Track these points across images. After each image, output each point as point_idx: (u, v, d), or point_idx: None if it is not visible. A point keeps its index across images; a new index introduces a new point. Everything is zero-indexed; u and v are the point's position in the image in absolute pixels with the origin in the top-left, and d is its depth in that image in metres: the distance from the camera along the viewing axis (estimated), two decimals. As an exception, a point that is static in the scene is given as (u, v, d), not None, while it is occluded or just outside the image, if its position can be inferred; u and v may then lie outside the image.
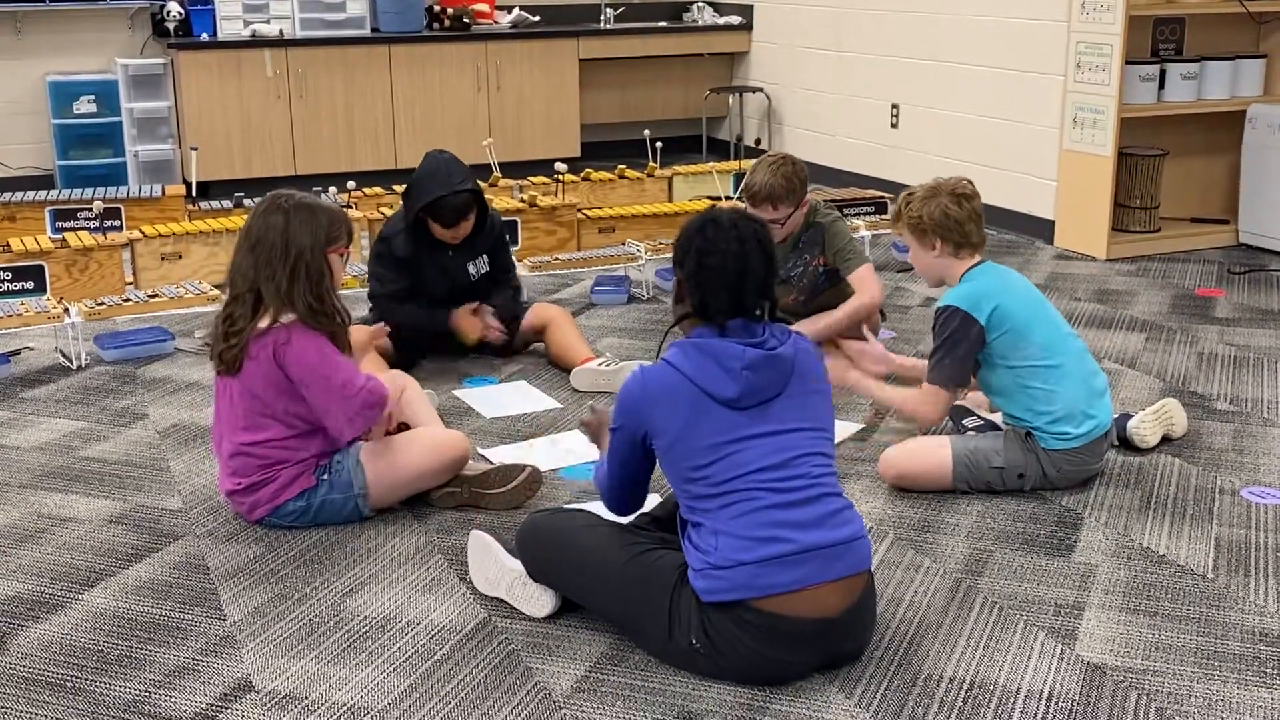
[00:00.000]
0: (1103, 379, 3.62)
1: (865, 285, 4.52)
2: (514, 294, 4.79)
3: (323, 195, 3.99)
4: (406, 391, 3.73)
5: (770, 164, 4.45)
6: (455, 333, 4.58)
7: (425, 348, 4.69)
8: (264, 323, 3.28)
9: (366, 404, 3.30)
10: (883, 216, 6.40)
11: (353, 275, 5.05)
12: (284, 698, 2.64)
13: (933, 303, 5.46)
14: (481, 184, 5.93)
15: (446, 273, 4.59)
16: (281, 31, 7.95)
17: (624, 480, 2.89)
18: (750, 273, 2.69)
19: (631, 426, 2.76)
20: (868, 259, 4.64)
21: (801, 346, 2.76)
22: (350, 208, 6.05)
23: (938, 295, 5.54)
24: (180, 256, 5.68)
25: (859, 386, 3.88)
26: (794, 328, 4.49)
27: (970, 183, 3.65)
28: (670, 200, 7.01)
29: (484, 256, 4.66)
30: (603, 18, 8.97)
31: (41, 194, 6.48)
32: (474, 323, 4.57)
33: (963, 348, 3.50)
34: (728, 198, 6.71)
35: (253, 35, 7.89)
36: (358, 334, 3.61)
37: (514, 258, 4.94)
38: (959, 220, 3.56)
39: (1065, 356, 3.52)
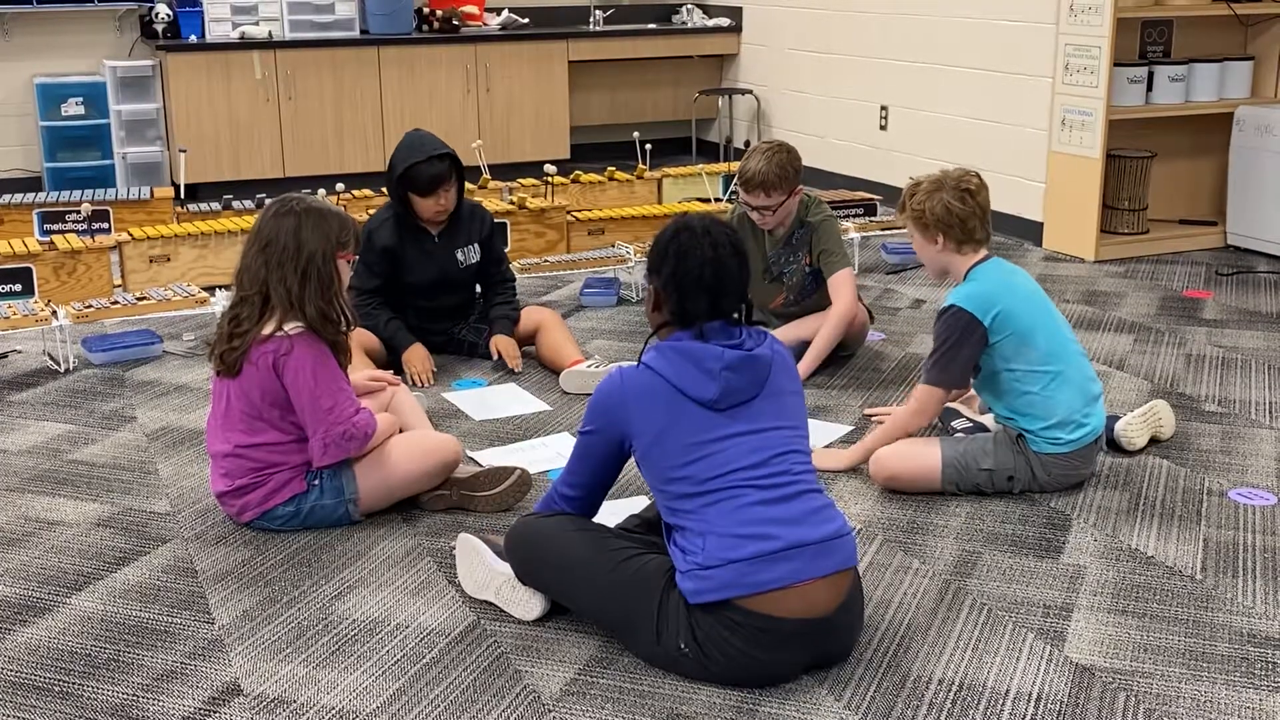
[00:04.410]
0: (1098, 385, 3.61)
1: (840, 293, 4.49)
2: (509, 289, 4.80)
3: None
4: (396, 394, 3.72)
5: (765, 151, 4.46)
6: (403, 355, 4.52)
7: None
8: (268, 329, 3.26)
9: (347, 435, 3.29)
10: (872, 219, 6.41)
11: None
12: (272, 701, 2.64)
13: (922, 304, 5.49)
14: (471, 186, 5.93)
15: (433, 259, 4.60)
16: (270, 33, 7.94)
17: (586, 484, 2.88)
18: (727, 277, 2.71)
19: (608, 429, 2.77)
20: (849, 264, 4.61)
21: (778, 349, 2.79)
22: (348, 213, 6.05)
23: (926, 297, 5.58)
24: (169, 259, 5.67)
25: (838, 463, 3.73)
26: (780, 331, 4.55)
27: (977, 176, 3.59)
28: (660, 202, 7.01)
29: (474, 246, 4.67)
30: (592, 20, 8.97)
31: (29, 196, 6.48)
32: (419, 364, 4.51)
33: (964, 350, 3.48)
34: (716, 199, 6.72)
35: (241, 37, 7.87)
36: (359, 352, 3.59)
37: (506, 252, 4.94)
38: (962, 217, 3.52)
39: (1066, 363, 3.51)
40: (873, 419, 4.08)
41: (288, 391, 3.26)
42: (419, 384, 4.46)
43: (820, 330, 4.46)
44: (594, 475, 2.87)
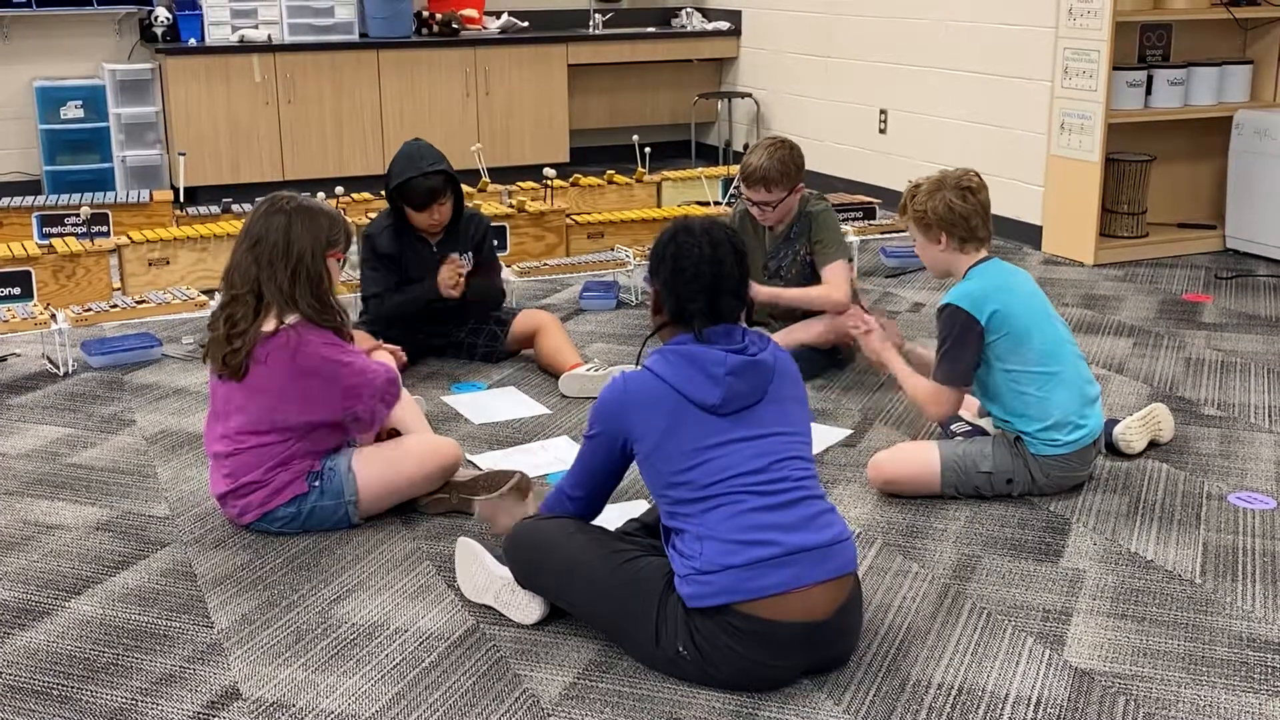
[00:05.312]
0: (1096, 387, 3.62)
1: (834, 282, 4.50)
2: (495, 276, 4.83)
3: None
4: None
5: (767, 147, 4.48)
6: (439, 295, 4.56)
7: (414, 351, 4.70)
8: (269, 325, 3.26)
9: (389, 379, 3.38)
10: (871, 222, 6.41)
11: (342, 281, 5.03)
12: (271, 705, 2.63)
13: (921, 307, 5.49)
14: (470, 189, 5.93)
15: (431, 268, 4.60)
16: (270, 37, 7.94)
17: (589, 486, 2.89)
18: (724, 274, 2.72)
19: (611, 432, 2.77)
20: (846, 255, 4.61)
21: (780, 354, 2.79)
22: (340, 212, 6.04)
23: (925, 300, 5.58)
24: (168, 262, 5.67)
25: (891, 363, 3.79)
26: (779, 335, 4.55)
27: (977, 175, 3.61)
28: (659, 206, 7.01)
29: (469, 254, 4.68)
30: (591, 23, 8.97)
31: (29, 199, 6.47)
32: (448, 272, 4.54)
33: (966, 346, 3.49)
34: (716, 203, 6.72)
35: (240, 40, 7.88)
36: (363, 340, 3.62)
37: (498, 257, 4.94)
38: (964, 215, 3.53)
39: (1062, 364, 3.51)
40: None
41: (309, 378, 3.25)
42: (458, 278, 4.50)
43: (806, 289, 4.48)
44: (597, 478, 2.88)
